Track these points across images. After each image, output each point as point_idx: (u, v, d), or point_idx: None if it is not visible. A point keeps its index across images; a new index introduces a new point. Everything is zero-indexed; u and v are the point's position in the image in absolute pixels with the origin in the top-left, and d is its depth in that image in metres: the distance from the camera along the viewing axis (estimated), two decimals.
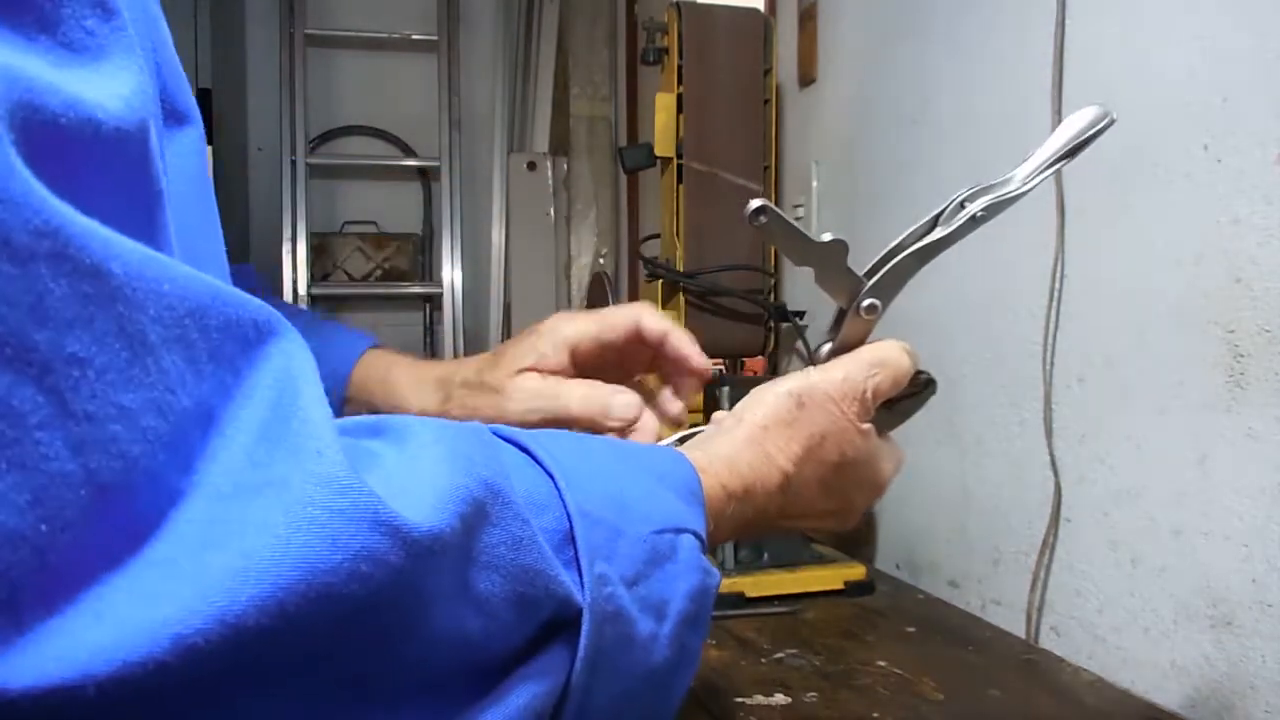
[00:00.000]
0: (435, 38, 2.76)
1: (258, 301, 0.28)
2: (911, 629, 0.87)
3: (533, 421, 0.58)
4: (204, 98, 2.30)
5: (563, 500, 0.35)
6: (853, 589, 0.97)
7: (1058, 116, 0.84)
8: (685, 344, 0.60)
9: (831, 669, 0.76)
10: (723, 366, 1.27)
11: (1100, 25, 0.80)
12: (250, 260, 2.78)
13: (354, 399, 0.67)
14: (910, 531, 1.10)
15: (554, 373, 0.60)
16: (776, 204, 1.39)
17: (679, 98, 1.19)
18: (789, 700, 0.70)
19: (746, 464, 0.45)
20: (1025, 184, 0.48)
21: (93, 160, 0.24)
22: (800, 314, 1.29)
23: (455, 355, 2.87)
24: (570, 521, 0.34)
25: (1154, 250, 0.74)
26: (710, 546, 0.43)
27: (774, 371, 1.38)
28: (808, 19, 1.33)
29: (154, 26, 0.33)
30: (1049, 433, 0.85)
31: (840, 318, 0.49)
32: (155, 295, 0.24)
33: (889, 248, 0.49)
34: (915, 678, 0.74)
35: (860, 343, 0.50)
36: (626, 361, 0.62)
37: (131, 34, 0.27)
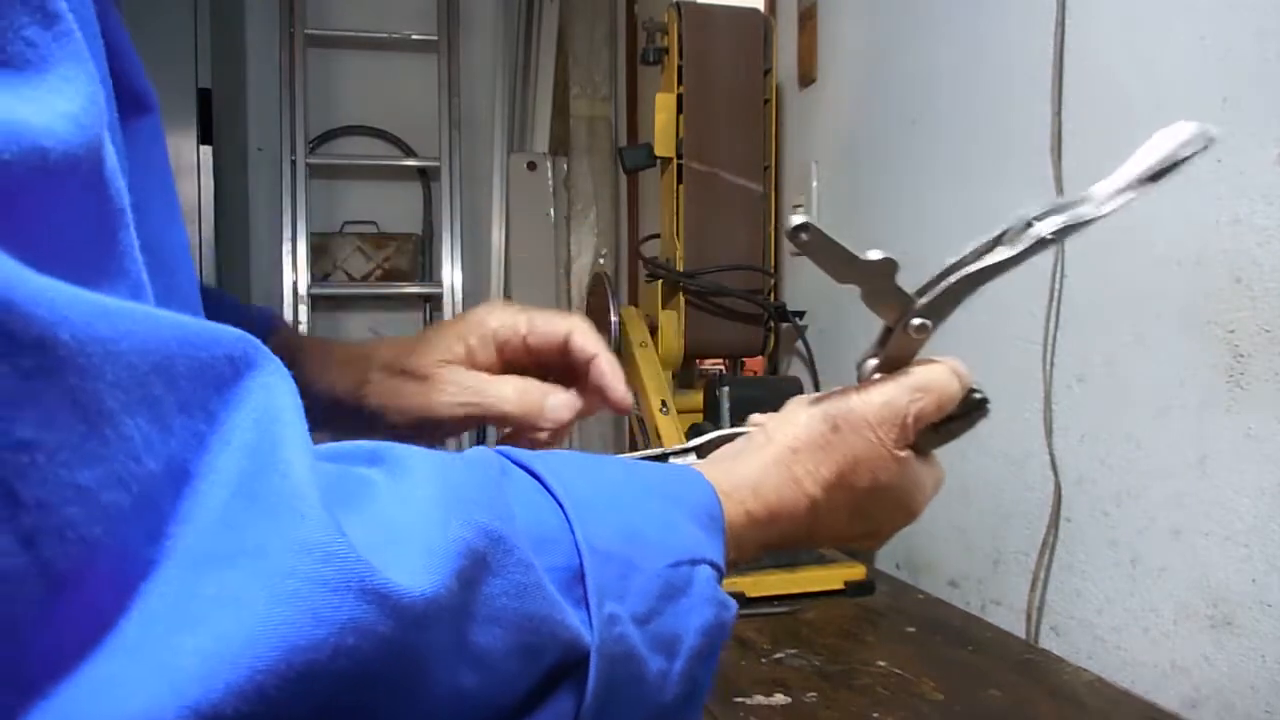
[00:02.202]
0: (435, 38, 2.76)
1: (234, 333, 0.26)
2: (911, 629, 0.87)
3: (459, 416, 0.55)
4: (204, 98, 2.30)
5: (574, 535, 0.33)
6: (853, 589, 0.97)
7: (1058, 117, 0.84)
8: (609, 374, 0.56)
9: (831, 669, 0.76)
10: (722, 366, 1.27)
11: (1100, 25, 0.80)
12: (250, 260, 2.78)
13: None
14: (910, 531, 1.09)
15: (481, 368, 0.56)
16: (776, 204, 1.38)
17: (679, 98, 1.19)
18: (789, 700, 0.70)
19: (773, 489, 0.43)
20: (1104, 206, 0.43)
21: (40, 195, 0.22)
22: (800, 314, 1.29)
23: None
24: (580, 558, 0.33)
25: (1154, 250, 0.74)
26: (730, 570, 0.42)
27: (774, 371, 1.38)
28: (808, 19, 1.33)
29: (105, 7, 0.30)
30: (1049, 433, 0.85)
31: (887, 334, 0.46)
32: (113, 357, 0.22)
33: (945, 265, 0.45)
34: (915, 678, 0.74)
35: (908, 360, 0.47)
36: (546, 365, 0.58)
37: (78, 37, 0.24)
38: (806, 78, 1.34)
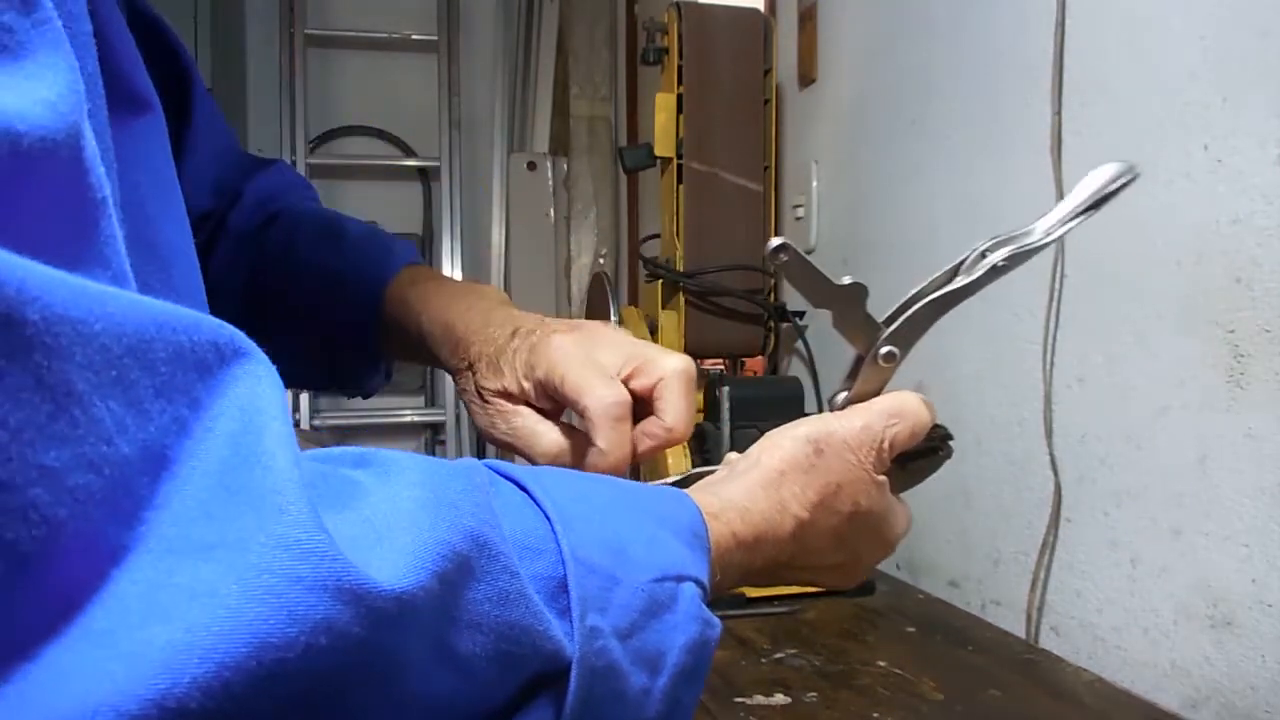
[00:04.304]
0: (435, 38, 2.76)
1: (216, 321, 0.26)
2: (911, 629, 0.87)
3: (496, 440, 0.54)
4: None
5: (559, 545, 0.33)
6: (853, 589, 0.96)
7: (1058, 117, 0.84)
8: (658, 436, 0.52)
9: (831, 669, 0.76)
10: (722, 366, 1.27)
11: (1100, 25, 0.80)
12: None
13: (393, 319, 0.59)
14: (911, 531, 1.10)
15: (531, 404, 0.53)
16: (776, 204, 1.39)
17: (679, 98, 1.19)
18: (789, 700, 0.70)
19: (760, 512, 0.43)
20: (1047, 235, 0.47)
21: (12, 177, 0.22)
22: (800, 314, 1.29)
23: None
24: (565, 568, 0.32)
25: (1154, 250, 0.74)
26: (713, 595, 0.42)
27: (774, 371, 1.38)
28: (808, 19, 1.33)
29: (102, 3, 0.30)
30: (1049, 433, 0.85)
31: (858, 365, 0.49)
32: (84, 338, 0.22)
33: (908, 295, 0.48)
34: (915, 678, 0.74)
35: (878, 392, 0.49)
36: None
37: (58, 26, 0.24)
38: (806, 78, 1.34)
